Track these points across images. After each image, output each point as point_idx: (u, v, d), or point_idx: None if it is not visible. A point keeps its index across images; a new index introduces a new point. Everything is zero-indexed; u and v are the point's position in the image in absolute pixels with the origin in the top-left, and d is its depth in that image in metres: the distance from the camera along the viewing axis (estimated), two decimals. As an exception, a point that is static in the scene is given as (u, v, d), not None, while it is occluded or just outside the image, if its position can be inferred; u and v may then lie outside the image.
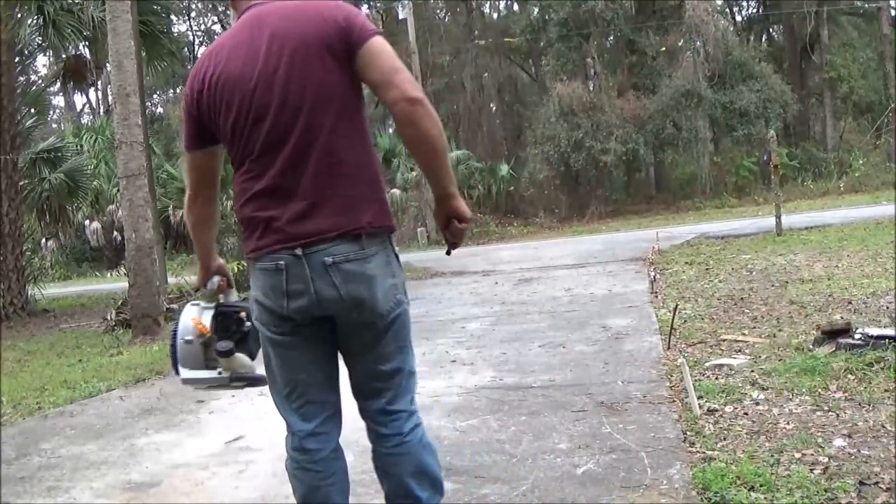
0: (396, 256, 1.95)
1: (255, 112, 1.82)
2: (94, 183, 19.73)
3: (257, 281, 1.91)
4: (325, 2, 1.85)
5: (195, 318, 2.13)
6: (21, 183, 12.14)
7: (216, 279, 2.20)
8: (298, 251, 1.82)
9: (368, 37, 1.80)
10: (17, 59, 12.71)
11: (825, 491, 2.47)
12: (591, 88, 22.55)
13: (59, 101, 34.53)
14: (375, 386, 1.99)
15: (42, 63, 27.68)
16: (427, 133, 1.79)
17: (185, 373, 2.14)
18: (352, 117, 1.86)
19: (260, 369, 2.10)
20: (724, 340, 4.83)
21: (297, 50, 1.80)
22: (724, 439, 3.05)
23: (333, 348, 1.99)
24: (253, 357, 2.15)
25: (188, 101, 1.93)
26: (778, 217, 11.56)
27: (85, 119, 34.89)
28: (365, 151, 1.88)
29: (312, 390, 1.98)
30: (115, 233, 22.77)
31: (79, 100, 35.91)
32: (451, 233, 1.94)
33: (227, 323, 2.13)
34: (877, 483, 2.50)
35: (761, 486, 2.53)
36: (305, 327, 1.91)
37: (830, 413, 3.24)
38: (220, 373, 2.13)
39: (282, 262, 1.84)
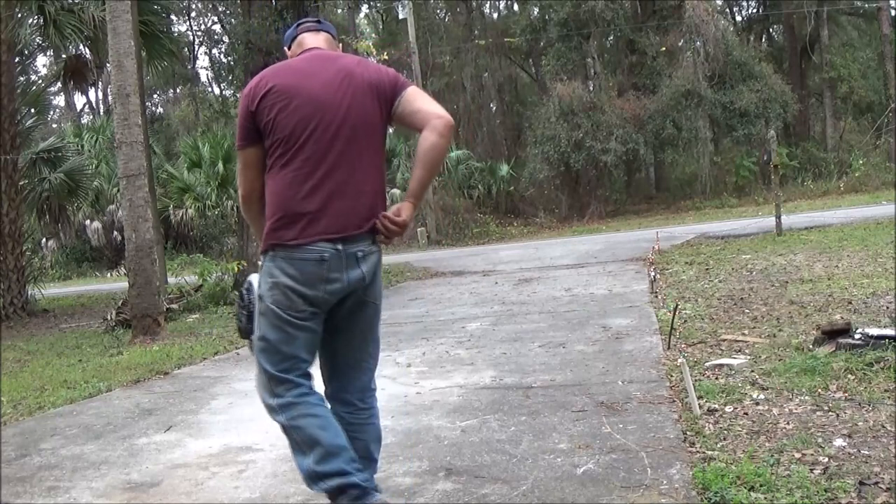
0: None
1: (325, 127, 2.24)
2: (94, 183, 19.72)
3: (289, 268, 2.22)
4: (384, 67, 2.44)
5: None
6: (21, 183, 12.12)
7: None
8: (340, 246, 2.23)
9: (406, 86, 2.35)
10: (17, 59, 12.69)
11: (825, 491, 2.47)
12: (591, 88, 22.54)
13: (59, 101, 34.55)
14: (364, 365, 2.45)
15: (42, 63, 27.77)
16: (446, 147, 2.30)
17: None
18: (381, 143, 2.38)
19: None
20: (724, 340, 4.84)
21: (359, 89, 2.30)
22: (724, 439, 3.05)
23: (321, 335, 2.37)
24: None
25: (248, 100, 2.28)
26: (778, 217, 11.57)
27: (85, 119, 34.86)
28: (382, 170, 2.38)
29: (307, 365, 2.34)
30: (115, 233, 22.76)
31: (79, 100, 35.89)
32: (394, 228, 2.30)
33: None
34: (877, 483, 2.50)
35: (761, 486, 2.54)
36: (319, 314, 2.29)
37: (830, 413, 3.24)
38: None
39: (325, 253, 2.21)
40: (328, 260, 2.21)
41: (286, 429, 2.30)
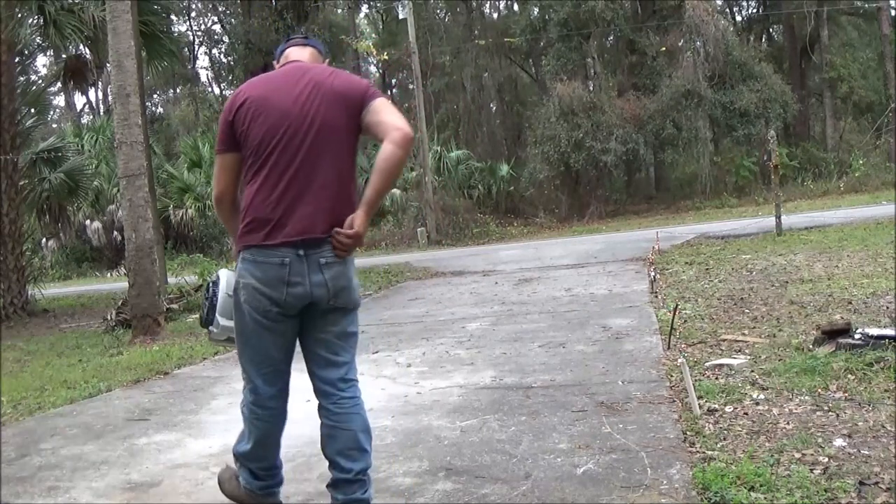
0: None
1: (292, 137, 2.36)
2: (94, 183, 19.70)
3: (255, 271, 2.37)
4: (357, 78, 2.57)
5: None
6: (21, 183, 12.11)
7: None
8: (301, 251, 2.33)
9: (375, 96, 2.43)
10: (17, 59, 12.69)
11: (825, 491, 2.47)
12: (591, 88, 22.54)
13: (59, 101, 34.56)
14: (340, 360, 2.51)
15: (42, 63, 27.77)
16: (403, 159, 2.36)
17: (223, 321, 2.56)
18: (352, 155, 2.47)
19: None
20: (724, 340, 4.84)
21: (326, 98, 2.40)
22: (724, 439, 3.06)
23: (297, 333, 2.50)
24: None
25: (227, 110, 2.44)
26: (778, 217, 11.57)
27: (85, 119, 34.87)
28: (349, 177, 2.46)
29: (281, 364, 2.50)
30: (115, 233, 22.76)
31: (79, 100, 35.91)
32: (348, 241, 2.37)
33: None
34: (877, 483, 2.50)
35: (761, 486, 2.54)
36: (287, 316, 2.41)
37: (830, 413, 3.24)
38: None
39: (287, 258, 2.33)
40: (289, 264, 2.33)
41: (242, 416, 2.59)
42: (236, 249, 2.46)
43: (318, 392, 2.52)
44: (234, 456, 2.67)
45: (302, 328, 2.48)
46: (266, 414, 2.52)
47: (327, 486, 2.50)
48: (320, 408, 2.51)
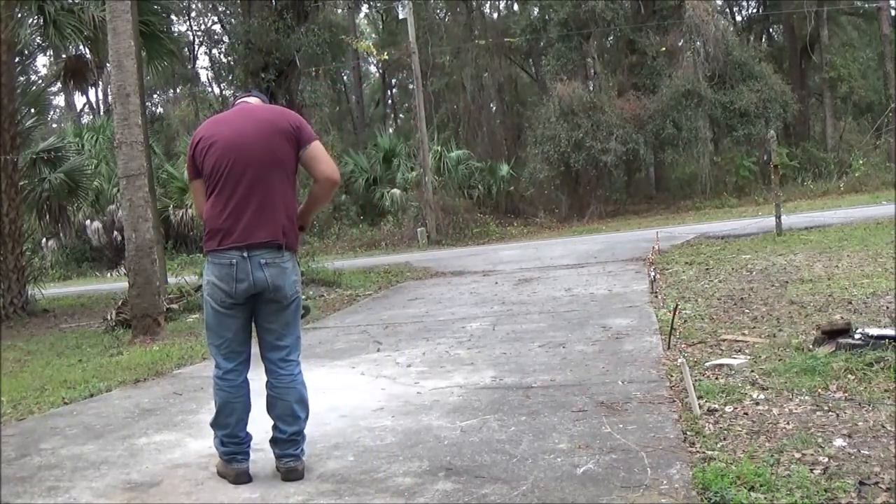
0: (297, 264, 3.17)
1: (235, 163, 2.97)
2: (94, 183, 19.67)
3: (214, 269, 3.00)
4: (289, 111, 3.24)
5: None
6: (21, 183, 12.10)
7: None
8: (245, 253, 2.95)
9: (310, 140, 3.08)
10: (17, 59, 12.67)
11: (825, 491, 2.47)
12: (591, 88, 22.51)
13: (59, 101, 34.52)
14: (280, 343, 3.13)
15: (42, 63, 27.73)
16: (328, 198, 3.36)
17: None
18: (289, 177, 3.08)
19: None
20: (724, 340, 4.84)
21: (269, 134, 3.03)
22: (724, 439, 3.06)
23: (250, 320, 3.12)
24: None
25: (190, 148, 3.11)
26: (778, 217, 11.56)
27: (85, 119, 34.80)
28: (291, 198, 3.08)
29: (235, 344, 3.10)
30: (115, 233, 22.75)
31: (79, 100, 35.84)
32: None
33: None
34: (877, 483, 2.50)
35: (761, 486, 2.54)
36: (239, 305, 3.03)
37: (830, 413, 3.24)
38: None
39: (234, 259, 2.95)
40: (235, 264, 2.96)
41: (213, 391, 3.16)
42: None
43: (265, 370, 3.14)
44: (212, 427, 3.18)
45: (255, 319, 3.11)
46: (226, 384, 3.08)
47: (269, 441, 3.11)
48: (266, 381, 3.13)
